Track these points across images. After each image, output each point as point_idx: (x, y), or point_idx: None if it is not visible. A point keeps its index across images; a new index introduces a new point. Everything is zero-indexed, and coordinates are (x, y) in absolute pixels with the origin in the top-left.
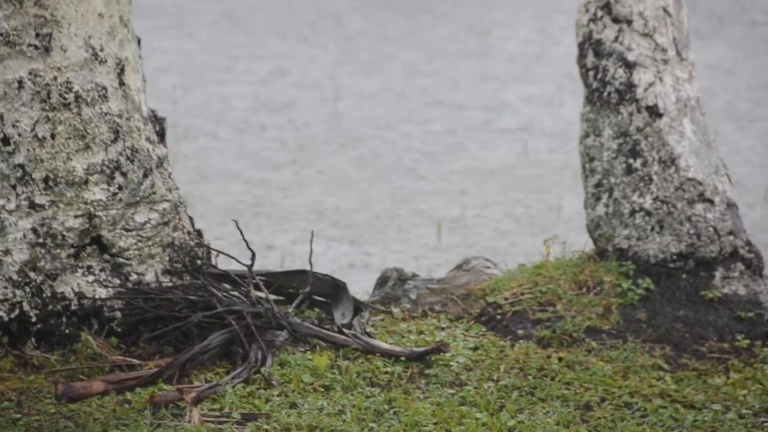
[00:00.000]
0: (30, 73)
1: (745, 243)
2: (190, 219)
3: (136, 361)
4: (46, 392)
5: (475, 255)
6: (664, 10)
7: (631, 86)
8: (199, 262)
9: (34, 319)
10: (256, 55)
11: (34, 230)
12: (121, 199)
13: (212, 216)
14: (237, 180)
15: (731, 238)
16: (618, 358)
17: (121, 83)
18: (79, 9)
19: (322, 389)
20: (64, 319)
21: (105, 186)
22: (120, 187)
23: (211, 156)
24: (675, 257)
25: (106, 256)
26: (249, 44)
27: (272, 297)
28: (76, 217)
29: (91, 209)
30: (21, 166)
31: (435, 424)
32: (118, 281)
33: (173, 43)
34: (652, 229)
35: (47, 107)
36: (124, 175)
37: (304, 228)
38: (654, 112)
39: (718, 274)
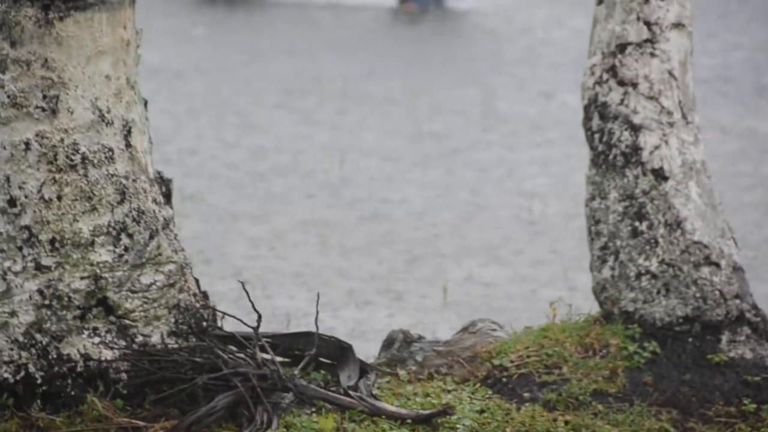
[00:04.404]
0: (37, 135)
1: (751, 306)
2: (196, 280)
3: (141, 423)
4: None
5: (481, 317)
6: (670, 73)
7: (636, 149)
8: (204, 323)
9: (39, 381)
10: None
11: (40, 292)
12: (127, 261)
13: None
14: (239, 236)
15: (737, 301)
16: (624, 421)
17: (128, 145)
18: (87, 71)
19: None
20: (70, 381)
21: (111, 247)
22: (126, 249)
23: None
24: (681, 320)
25: (112, 318)
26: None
27: (278, 359)
28: (82, 278)
29: (97, 271)
30: (27, 227)
31: None
32: (123, 343)
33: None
34: (658, 292)
35: (54, 169)
36: (130, 236)
37: (310, 289)
38: (660, 175)
39: (725, 337)
